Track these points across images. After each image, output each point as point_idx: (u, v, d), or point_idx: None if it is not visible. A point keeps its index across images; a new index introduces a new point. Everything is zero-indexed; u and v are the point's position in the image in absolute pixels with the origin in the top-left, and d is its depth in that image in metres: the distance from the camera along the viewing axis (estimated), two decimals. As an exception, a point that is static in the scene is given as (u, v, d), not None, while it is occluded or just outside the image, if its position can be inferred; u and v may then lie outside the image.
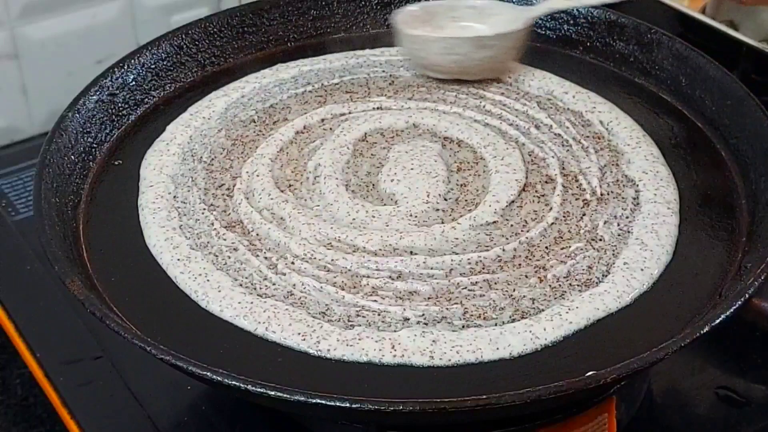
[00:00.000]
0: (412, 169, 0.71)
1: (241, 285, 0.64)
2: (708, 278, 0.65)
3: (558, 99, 0.78)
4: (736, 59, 0.88)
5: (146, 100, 0.79)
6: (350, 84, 0.80)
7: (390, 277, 0.64)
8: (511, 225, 0.67)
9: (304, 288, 0.64)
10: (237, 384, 0.56)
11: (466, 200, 0.69)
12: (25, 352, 0.75)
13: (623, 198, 0.70)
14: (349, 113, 0.77)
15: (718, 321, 0.58)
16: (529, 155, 0.73)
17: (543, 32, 0.84)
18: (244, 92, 0.80)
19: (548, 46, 0.84)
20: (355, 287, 0.64)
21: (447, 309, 0.62)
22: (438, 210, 0.69)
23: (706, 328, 0.58)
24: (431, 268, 0.64)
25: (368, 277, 0.64)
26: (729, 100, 0.74)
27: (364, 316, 0.62)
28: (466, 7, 0.80)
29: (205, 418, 0.70)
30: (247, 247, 0.66)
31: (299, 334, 0.61)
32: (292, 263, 0.65)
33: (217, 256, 0.66)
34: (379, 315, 0.62)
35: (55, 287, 0.78)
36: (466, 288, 0.63)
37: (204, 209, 0.70)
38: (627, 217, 0.68)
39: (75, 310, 0.76)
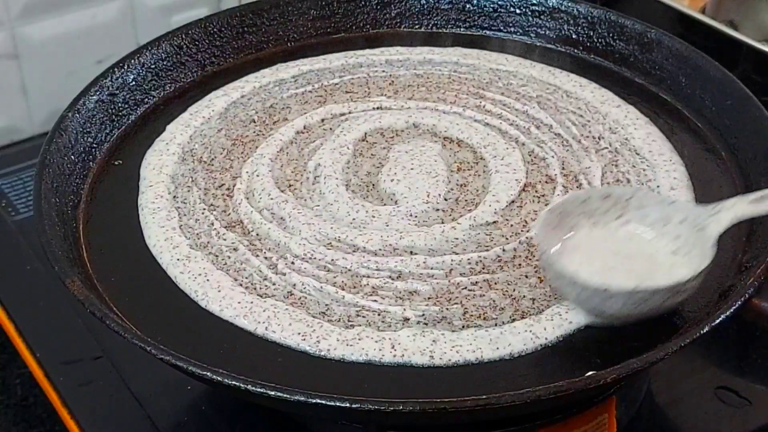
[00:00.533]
0: (412, 169, 0.71)
1: (241, 285, 0.64)
2: (708, 278, 0.65)
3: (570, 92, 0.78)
4: (736, 59, 0.88)
5: (146, 100, 0.79)
6: (350, 84, 0.80)
7: (390, 277, 0.64)
8: (511, 225, 0.67)
9: (304, 288, 0.64)
10: (237, 384, 0.56)
11: (466, 200, 0.69)
12: (25, 352, 0.75)
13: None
14: (349, 113, 0.77)
15: (718, 321, 0.58)
16: (530, 155, 0.73)
17: (543, 32, 0.84)
18: (244, 92, 0.80)
19: (548, 45, 0.84)
20: (355, 287, 0.64)
21: (447, 309, 0.62)
22: (438, 210, 0.69)
23: (706, 328, 0.58)
24: (431, 268, 0.64)
25: (368, 277, 0.64)
26: (729, 100, 0.74)
27: (364, 316, 0.62)
28: (600, 198, 0.64)
29: (205, 418, 0.70)
30: (247, 247, 0.66)
31: (299, 333, 0.61)
32: (292, 263, 0.65)
33: (217, 256, 0.66)
34: (379, 315, 0.62)
35: (55, 287, 0.77)
36: (466, 288, 0.63)
37: (204, 209, 0.70)
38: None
39: (75, 310, 0.76)
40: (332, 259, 0.65)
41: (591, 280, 0.59)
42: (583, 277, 0.59)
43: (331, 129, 0.75)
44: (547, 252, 0.61)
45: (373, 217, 0.68)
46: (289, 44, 0.85)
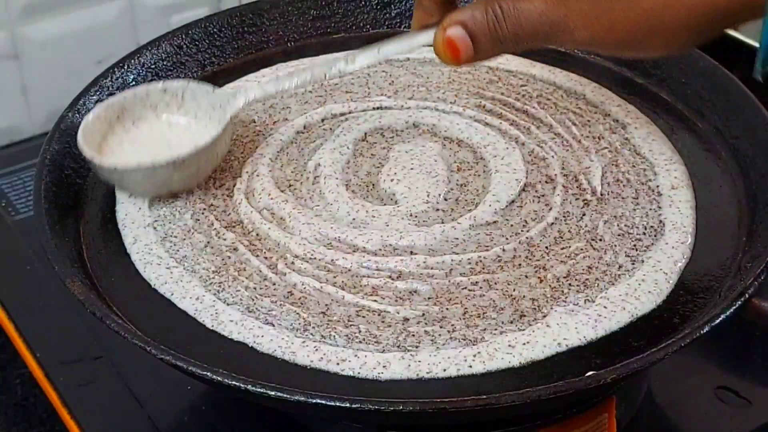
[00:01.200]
0: (412, 168, 0.71)
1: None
2: (708, 278, 0.65)
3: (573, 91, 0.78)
4: (736, 59, 0.88)
5: (146, 100, 0.79)
6: (350, 84, 0.80)
7: (390, 277, 0.64)
8: (511, 225, 0.67)
9: (304, 288, 0.64)
10: (237, 384, 0.56)
11: (466, 200, 0.69)
12: (25, 352, 0.75)
13: (623, 197, 0.70)
14: (349, 113, 0.77)
15: (718, 321, 0.59)
16: (530, 155, 0.73)
17: (543, 32, 0.84)
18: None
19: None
20: (355, 287, 0.64)
21: (447, 309, 0.62)
22: (438, 210, 0.69)
23: (706, 328, 0.58)
24: (431, 268, 0.64)
25: (368, 277, 0.64)
26: (729, 100, 0.74)
27: (364, 316, 0.62)
28: (159, 91, 0.72)
29: (205, 418, 0.70)
30: (247, 247, 0.66)
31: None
32: (292, 263, 0.65)
33: (216, 256, 0.66)
34: (379, 315, 0.62)
35: (55, 287, 0.77)
36: (466, 288, 0.63)
37: (204, 209, 0.70)
38: (625, 217, 0.68)
39: (75, 310, 0.76)
40: (332, 259, 0.65)
41: (104, 162, 0.68)
42: (103, 163, 0.68)
43: (331, 129, 0.75)
44: (88, 151, 0.68)
45: (373, 217, 0.68)
46: (289, 44, 0.85)
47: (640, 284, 0.64)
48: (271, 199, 0.69)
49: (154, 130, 0.72)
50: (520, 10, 0.59)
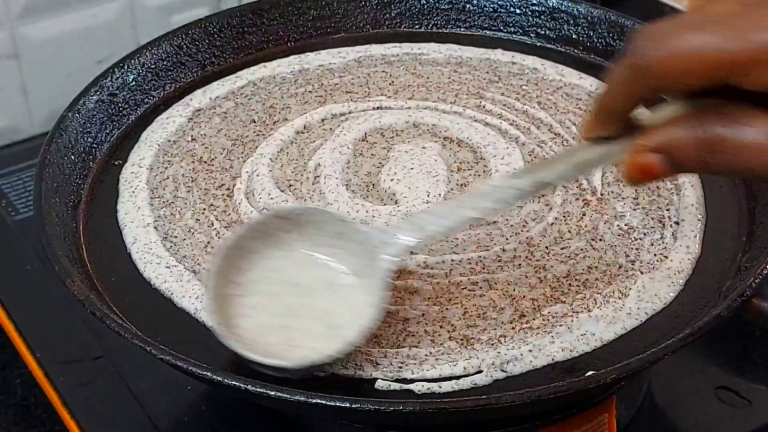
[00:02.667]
0: (412, 168, 0.71)
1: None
2: (708, 278, 0.65)
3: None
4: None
5: (146, 100, 0.79)
6: (350, 84, 0.80)
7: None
8: (511, 225, 0.67)
9: (304, 288, 0.64)
10: (237, 384, 0.56)
11: (466, 200, 0.69)
12: (25, 352, 0.75)
13: (623, 197, 0.70)
14: (349, 113, 0.77)
15: (718, 321, 0.59)
16: (530, 155, 0.73)
17: (543, 32, 0.84)
18: (244, 92, 0.80)
19: (548, 45, 0.84)
20: (355, 287, 0.63)
21: (447, 309, 0.62)
22: (438, 210, 0.68)
23: (706, 329, 0.58)
24: (431, 268, 0.64)
25: (368, 277, 0.64)
26: (729, 100, 0.74)
27: (364, 316, 0.62)
28: (274, 217, 0.59)
29: (205, 418, 0.70)
30: (247, 247, 0.66)
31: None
32: (292, 263, 0.65)
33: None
34: (379, 315, 0.62)
35: (55, 287, 0.77)
36: (466, 288, 0.63)
37: (204, 209, 0.70)
38: (626, 217, 0.68)
39: (75, 310, 0.76)
40: (332, 259, 0.65)
41: (266, 361, 0.55)
42: (257, 359, 0.55)
43: (331, 129, 0.75)
44: (216, 326, 0.56)
45: (373, 217, 0.68)
46: (289, 44, 0.85)
47: (642, 285, 0.64)
48: (271, 199, 0.69)
49: (279, 276, 0.59)
50: (741, 142, 0.48)
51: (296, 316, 0.58)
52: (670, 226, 0.68)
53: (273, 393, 0.55)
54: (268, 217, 0.59)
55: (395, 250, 0.58)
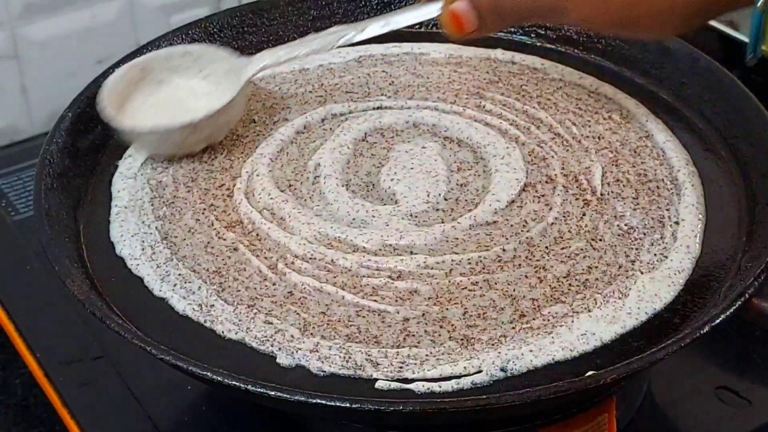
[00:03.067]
0: (412, 168, 0.71)
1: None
2: (708, 278, 0.65)
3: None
4: (736, 59, 0.88)
5: (146, 100, 0.79)
6: (350, 84, 0.80)
7: (390, 277, 0.64)
8: (511, 225, 0.67)
9: (304, 288, 0.64)
10: (237, 384, 0.56)
11: (466, 200, 0.69)
12: (25, 352, 0.75)
13: (623, 197, 0.70)
14: (349, 113, 0.77)
15: (718, 321, 0.59)
16: (530, 155, 0.73)
17: (543, 32, 0.84)
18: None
19: (548, 45, 0.84)
20: (355, 287, 0.64)
21: (447, 309, 0.62)
22: (438, 210, 0.69)
23: (706, 328, 0.58)
24: (431, 268, 0.64)
25: (368, 277, 0.64)
26: (729, 100, 0.74)
27: (364, 317, 0.62)
28: (182, 54, 0.75)
29: (205, 418, 0.70)
30: (247, 247, 0.66)
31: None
32: (292, 263, 0.65)
33: (216, 256, 0.66)
34: (379, 315, 0.62)
35: (55, 287, 0.77)
36: (466, 288, 0.63)
37: (204, 209, 0.70)
38: (626, 217, 0.68)
39: (75, 310, 0.76)
40: (332, 259, 0.65)
41: (123, 124, 0.71)
42: (117, 124, 0.71)
43: (331, 129, 0.75)
44: (109, 112, 0.71)
45: (373, 217, 0.68)
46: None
47: (642, 285, 0.64)
48: (271, 199, 0.69)
49: (174, 94, 0.74)
50: None
51: (168, 112, 0.72)
52: (670, 226, 0.68)
53: (273, 393, 0.55)
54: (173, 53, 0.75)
55: (254, 67, 0.73)
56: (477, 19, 0.65)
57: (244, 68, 0.73)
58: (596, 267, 0.65)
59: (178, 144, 0.71)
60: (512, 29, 0.85)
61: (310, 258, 0.65)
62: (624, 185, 0.71)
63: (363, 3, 0.86)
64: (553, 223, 0.67)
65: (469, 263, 0.65)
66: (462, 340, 0.61)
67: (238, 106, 0.73)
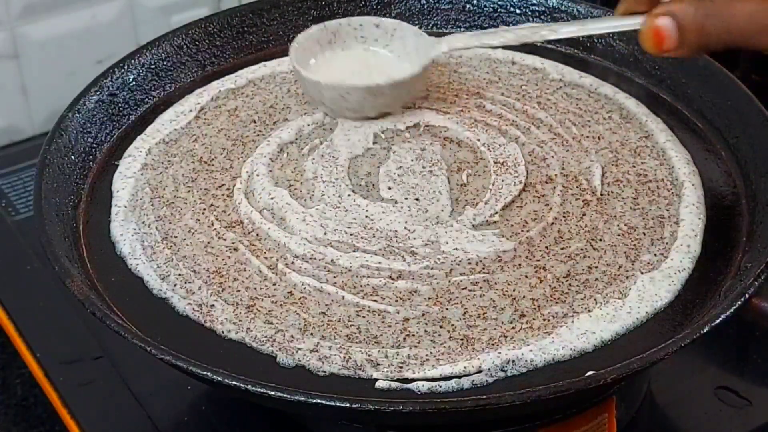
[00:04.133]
0: (412, 168, 0.71)
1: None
2: (708, 278, 0.65)
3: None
4: (736, 59, 0.88)
5: (146, 100, 0.79)
6: (350, 84, 0.80)
7: (390, 277, 0.64)
8: (511, 225, 0.67)
9: (304, 288, 0.64)
10: (237, 384, 0.56)
11: (466, 200, 0.69)
12: (25, 352, 0.75)
13: (623, 197, 0.70)
14: (349, 113, 0.77)
15: (718, 321, 0.59)
16: (530, 155, 0.73)
17: (543, 32, 0.84)
18: (245, 91, 0.80)
19: (548, 45, 0.84)
20: (355, 287, 0.64)
21: (447, 309, 0.62)
22: (438, 210, 0.68)
23: (706, 328, 0.58)
24: (431, 268, 0.64)
25: (368, 277, 0.64)
26: (729, 100, 0.74)
27: (364, 317, 0.62)
28: (372, 24, 0.78)
29: (205, 418, 0.70)
30: (247, 247, 0.66)
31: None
32: (292, 263, 0.65)
33: (216, 256, 0.66)
34: (379, 315, 0.62)
35: (55, 287, 0.77)
36: (466, 288, 0.63)
37: (204, 209, 0.70)
38: (625, 217, 0.68)
39: (75, 310, 0.76)
40: (332, 259, 0.65)
41: (310, 76, 0.74)
42: (304, 73, 0.74)
43: (331, 129, 0.75)
44: (300, 64, 0.75)
45: (373, 216, 0.68)
46: (289, 44, 0.85)
47: (642, 285, 0.64)
48: (271, 199, 0.69)
49: (360, 59, 0.77)
50: (731, 9, 0.61)
51: (351, 75, 0.76)
52: (670, 226, 0.68)
53: (273, 393, 0.55)
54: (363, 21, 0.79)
55: (443, 47, 0.75)
56: (678, 38, 0.63)
57: (432, 47, 0.75)
58: (596, 267, 0.65)
59: (354, 106, 0.73)
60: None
61: (310, 258, 0.65)
62: (624, 185, 0.71)
63: (363, 3, 0.86)
64: (553, 223, 0.67)
65: (469, 263, 0.65)
66: (462, 340, 0.61)
67: (419, 82, 0.76)
